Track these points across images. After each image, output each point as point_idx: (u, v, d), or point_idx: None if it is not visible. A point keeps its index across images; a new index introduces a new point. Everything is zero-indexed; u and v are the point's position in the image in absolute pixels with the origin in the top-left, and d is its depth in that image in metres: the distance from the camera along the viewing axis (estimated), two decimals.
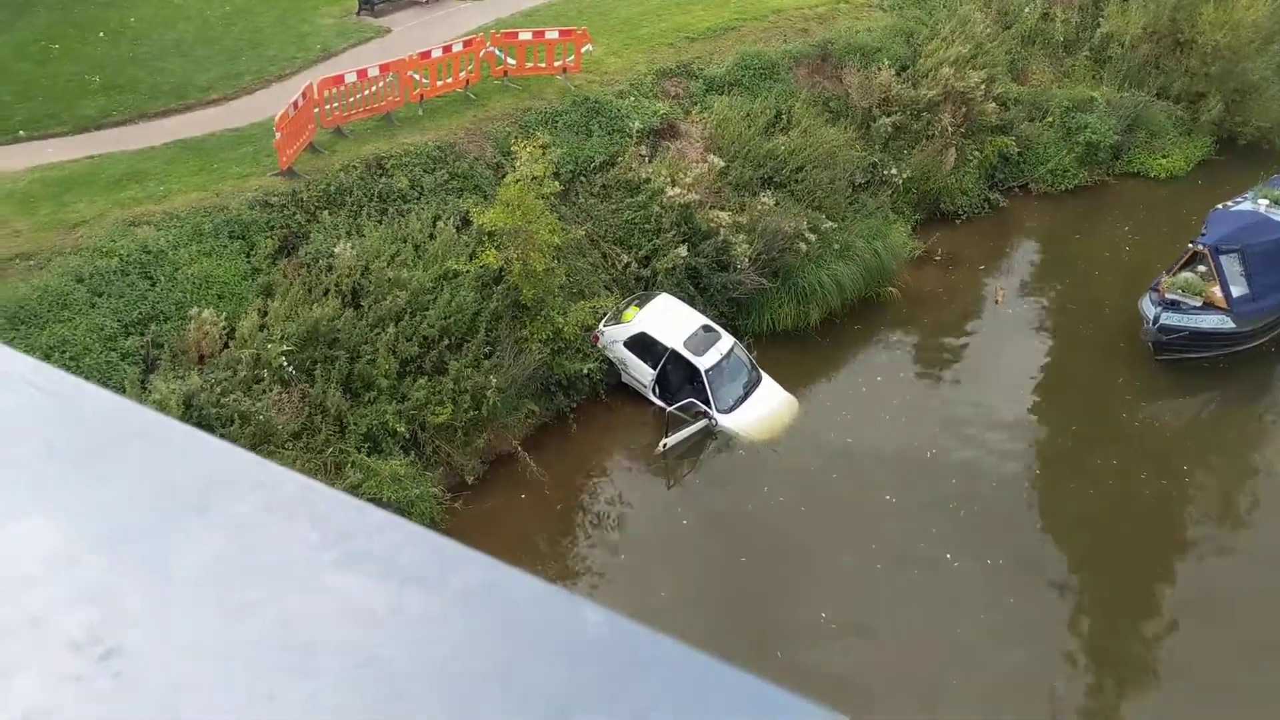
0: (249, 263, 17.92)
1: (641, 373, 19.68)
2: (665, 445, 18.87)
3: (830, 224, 21.98)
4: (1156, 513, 18.23)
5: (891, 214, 23.60)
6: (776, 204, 21.64)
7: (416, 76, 21.05)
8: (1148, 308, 21.07)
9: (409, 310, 17.82)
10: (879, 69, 24.59)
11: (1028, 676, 15.46)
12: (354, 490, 16.07)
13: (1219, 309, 20.83)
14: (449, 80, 21.54)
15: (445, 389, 17.57)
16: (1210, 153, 27.59)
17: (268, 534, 0.92)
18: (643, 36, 24.86)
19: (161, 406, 14.88)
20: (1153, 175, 26.90)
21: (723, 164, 21.83)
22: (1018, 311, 22.89)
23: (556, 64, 22.44)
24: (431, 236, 18.86)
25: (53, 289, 16.42)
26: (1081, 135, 26.35)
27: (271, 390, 16.38)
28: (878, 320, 22.19)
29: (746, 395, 19.73)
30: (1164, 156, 27.10)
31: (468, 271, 18.51)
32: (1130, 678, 15.74)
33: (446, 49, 21.64)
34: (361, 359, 17.30)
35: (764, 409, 19.62)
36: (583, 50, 22.46)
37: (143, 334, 16.46)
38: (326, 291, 17.70)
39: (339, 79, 20.20)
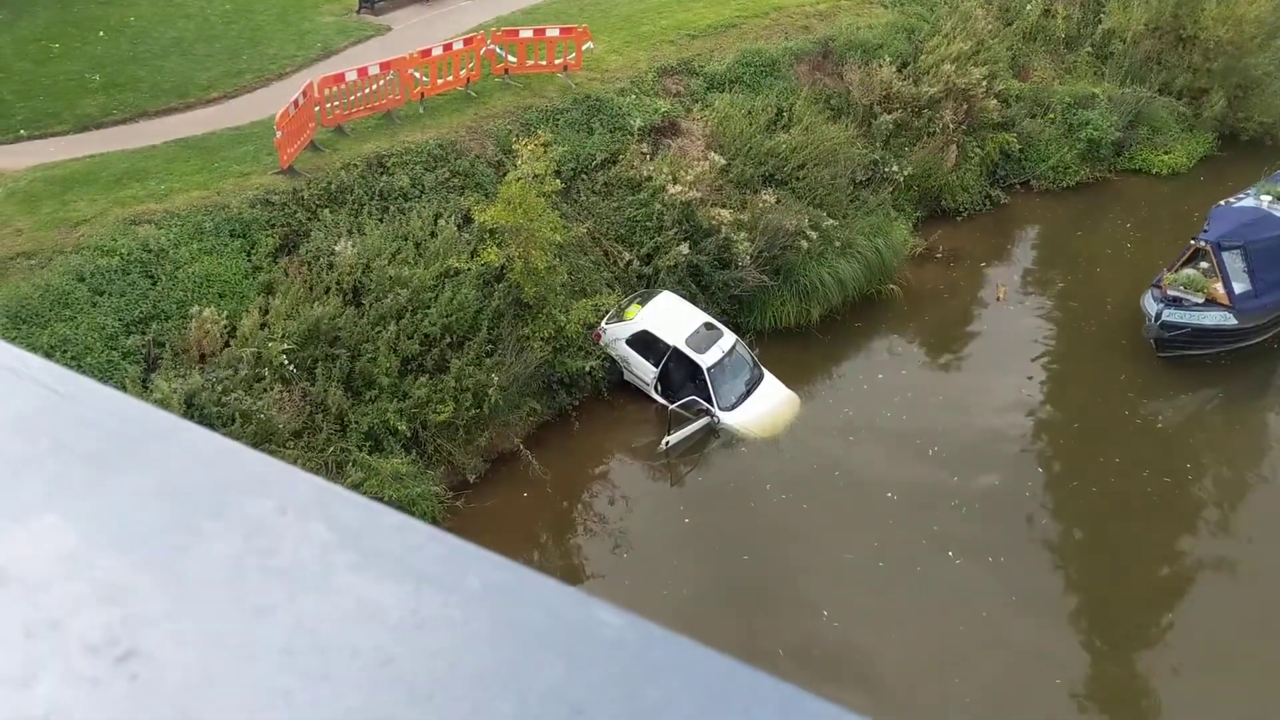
0: (250, 261, 17.91)
1: (644, 370, 19.68)
2: (667, 443, 18.88)
3: (831, 221, 21.98)
4: (1159, 510, 18.23)
5: (893, 211, 23.60)
6: (778, 201, 21.64)
7: (417, 74, 21.05)
8: (1150, 305, 21.06)
9: (410, 308, 17.82)
10: (880, 66, 24.59)
11: (1030, 673, 15.46)
12: (355, 489, 16.04)
13: (1221, 306, 20.82)
14: (450, 78, 21.54)
15: (447, 387, 17.56)
16: (1213, 149, 27.59)
17: (283, 536, 0.92)
18: (644, 34, 24.86)
19: (163, 405, 14.84)
20: (1155, 171, 26.89)
21: (724, 161, 21.83)
22: (1019, 309, 22.88)
23: (557, 62, 22.44)
24: (433, 234, 18.86)
25: (54, 288, 16.43)
26: (1083, 132, 26.34)
27: (273, 389, 16.38)
28: (879, 318, 22.20)
29: (748, 393, 19.73)
30: (1166, 153, 27.09)
31: (469, 269, 18.50)
32: (1133, 674, 15.74)
33: (447, 47, 21.64)
34: (363, 357, 17.30)
35: (766, 406, 19.62)
36: (584, 48, 22.46)
37: (144, 333, 16.47)
38: (328, 290, 17.70)
39: (340, 77, 20.19)
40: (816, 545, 17.32)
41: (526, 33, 22.40)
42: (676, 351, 19.33)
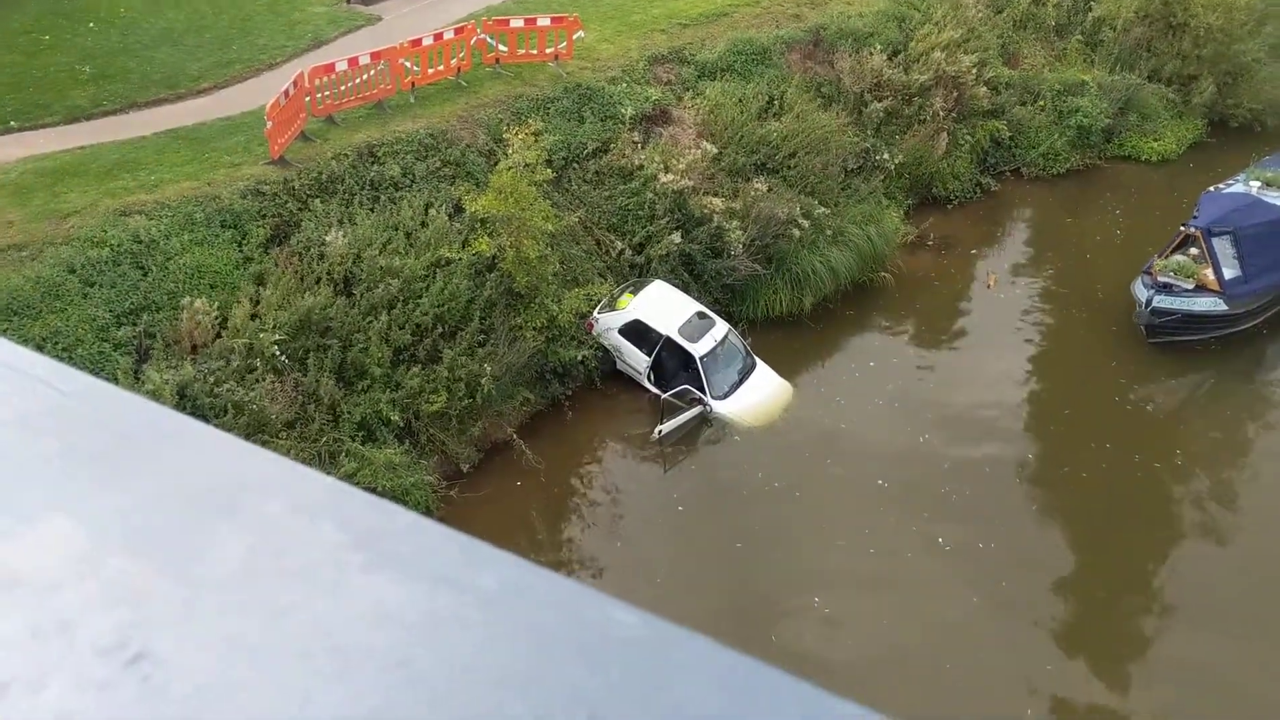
0: (241, 252, 17.86)
1: (636, 360, 19.67)
2: (660, 432, 18.89)
3: (823, 210, 21.99)
4: (1149, 495, 18.30)
5: (884, 199, 23.61)
6: (769, 190, 21.62)
7: (408, 64, 20.98)
8: (1140, 291, 21.10)
9: (402, 298, 17.78)
10: (871, 54, 24.57)
11: (1020, 659, 15.53)
12: (349, 479, 16.07)
13: (1211, 291, 20.87)
14: (440, 68, 21.48)
15: (439, 377, 17.54)
16: (1202, 135, 27.63)
17: (296, 536, 0.91)
18: (635, 23, 24.81)
19: (155, 397, 14.85)
20: (1145, 158, 26.93)
21: (715, 150, 21.80)
22: (1010, 295, 22.91)
23: (548, 51, 22.39)
24: (424, 224, 18.81)
25: (45, 279, 16.37)
26: (1073, 119, 26.36)
27: (265, 379, 16.35)
28: (871, 305, 22.22)
29: (741, 381, 19.74)
30: (1156, 139, 27.13)
31: (460, 259, 18.46)
32: (1122, 658, 15.81)
33: (438, 36, 21.57)
34: (354, 347, 17.27)
35: (758, 395, 19.64)
36: (575, 37, 22.40)
37: (135, 324, 16.41)
38: (319, 280, 17.66)
39: (330, 67, 20.12)
40: (808, 533, 17.36)
41: (517, 22, 22.33)
42: (669, 340, 19.33)
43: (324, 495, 0.96)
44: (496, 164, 19.42)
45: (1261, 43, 27.94)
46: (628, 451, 19.09)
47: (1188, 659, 15.50)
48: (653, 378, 19.63)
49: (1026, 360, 21.15)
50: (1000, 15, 27.84)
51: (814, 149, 22.69)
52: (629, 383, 19.89)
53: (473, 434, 18.11)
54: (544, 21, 22.36)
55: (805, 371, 20.77)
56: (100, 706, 0.80)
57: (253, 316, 16.95)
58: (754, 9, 25.84)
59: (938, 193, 25.04)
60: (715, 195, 21.26)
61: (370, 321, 17.42)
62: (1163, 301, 20.73)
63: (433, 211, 18.98)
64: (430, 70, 21.33)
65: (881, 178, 23.83)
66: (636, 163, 21.22)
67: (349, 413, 16.96)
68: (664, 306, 19.71)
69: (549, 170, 19.11)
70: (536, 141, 19.00)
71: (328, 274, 17.71)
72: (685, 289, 20.49)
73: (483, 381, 17.64)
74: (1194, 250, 21.43)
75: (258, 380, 16.28)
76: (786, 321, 21.42)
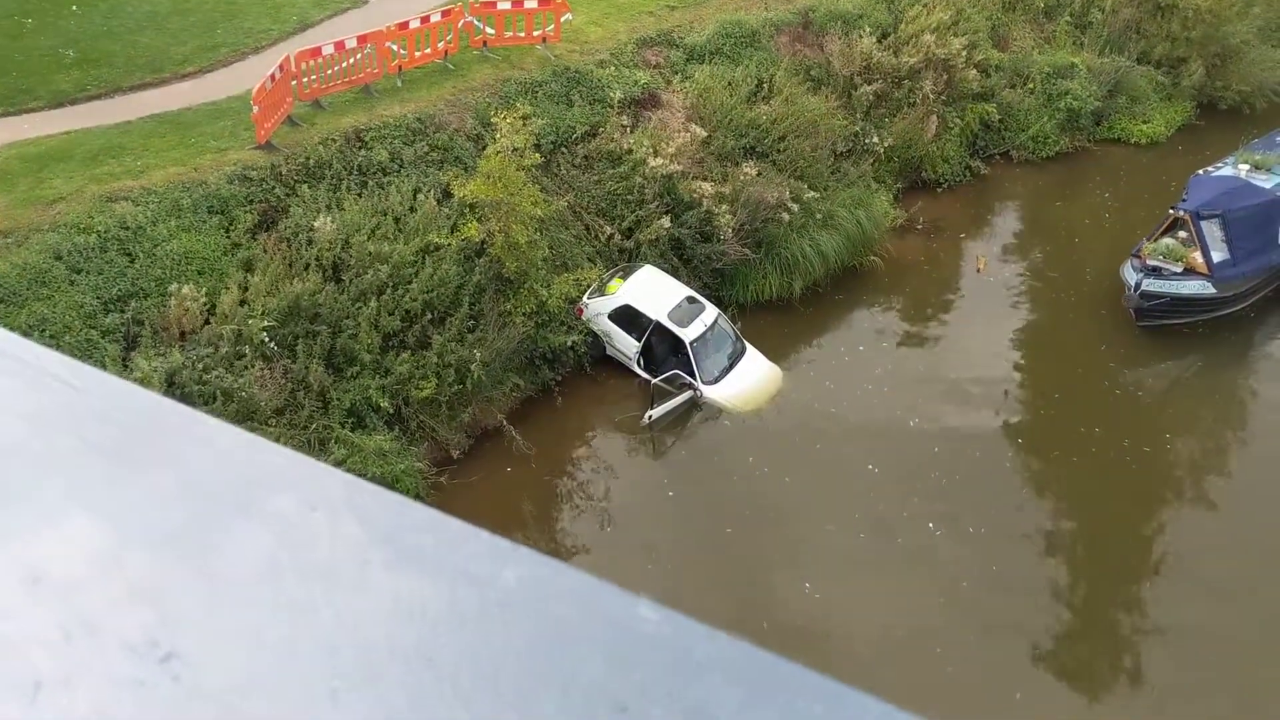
0: (229, 238, 17.79)
1: (626, 345, 19.67)
2: (650, 417, 18.90)
3: (812, 193, 21.96)
4: (1139, 479, 18.39)
5: (873, 183, 23.59)
6: (759, 174, 21.59)
7: (394, 48, 20.88)
8: (1129, 274, 21.15)
9: (391, 284, 17.73)
10: (860, 36, 24.52)
11: (1010, 643, 15.61)
12: (339, 465, 16.03)
13: (1200, 275, 20.93)
14: (427, 51, 21.38)
15: (429, 363, 17.52)
16: (1191, 118, 27.67)
17: (316, 533, 0.91)
18: (623, 5, 24.71)
19: (143, 384, 14.76)
20: (1134, 141, 26.96)
21: (705, 134, 21.76)
22: (999, 279, 22.96)
23: (536, 34, 22.29)
24: (412, 209, 18.75)
25: (31, 266, 16.28)
26: (1063, 101, 26.36)
27: (254, 366, 16.31)
28: (860, 289, 22.24)
29: (731, 366, 19.76)
30: (1145, 122, 27.15)
31: (449, 244, 18.41)
32: (1113, 641, 15.92)
33: (424, 19, 21.45)
34: (344, 333, 17.23)
35: (748, 380, 19.66)
36: (562, 19, 22.30)
37: (123, 311, 16.34)
38: (307, 266, 17.59)
39: (316, 51, 20.00)
40: (798, 518, 17.41)
41: (505, 4, 22.21)
42: (659, 325, 19.33)
43: (341, 491, 0.95)
44: (485, 149, 19.35)
45: (1250, 25, 27.96)
46: (618, 437, 19.11)
47: (1180, 639, 15.61)
48: (643, 363, 19.64)
49: (1016, 344, 21.21)
50: None
51: (803, 133, 22.66)
52: (619, 368, 19.89)
53: (463, 420, 18.09)
54: (531, 4, 22.25)
55: (795, 356, 20.80)
56: (135, 705, 0.80)
57: (241, 303, 16.89)
58: None
59: (927, 176, 25.05)
60: (704, 179, 21.23)
61: (359, 307, 17.38)
62: (1151, 285, 20.78)
63: (421, 197, 18.92)
64: (417, 54, 21.23)
65: (871, 161, 23.81)
66: (625, 147, 21.17)
67: (338, 399, 16.93)
68: (654, 291, 19.70)
69: (537, 155, 19.05)
70: (525, 126, 18.93)
71: (316, 260, 17.65)
72: (675, 274, 20.47)
73: (472, 367, 17.61)
74: (1183, 233, 21.48)
75: (247, 367, 16.24)
76: (776, 306, 21.43)
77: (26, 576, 0.87)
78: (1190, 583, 16.45)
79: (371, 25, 21.48)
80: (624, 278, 19.92)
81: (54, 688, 0.79)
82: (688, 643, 0.82)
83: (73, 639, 0.83)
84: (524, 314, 18.83)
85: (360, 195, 18.72)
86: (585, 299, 19.75)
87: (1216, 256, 20.97)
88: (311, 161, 18.94)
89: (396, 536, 0.91)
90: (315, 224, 17.83)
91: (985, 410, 19.50)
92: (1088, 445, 18.76)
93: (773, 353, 20.27)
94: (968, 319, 21.83)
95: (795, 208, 21.44)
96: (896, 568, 16.59)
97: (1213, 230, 21.15)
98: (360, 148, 19.49)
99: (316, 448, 16.36)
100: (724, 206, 20.88)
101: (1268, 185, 22.10)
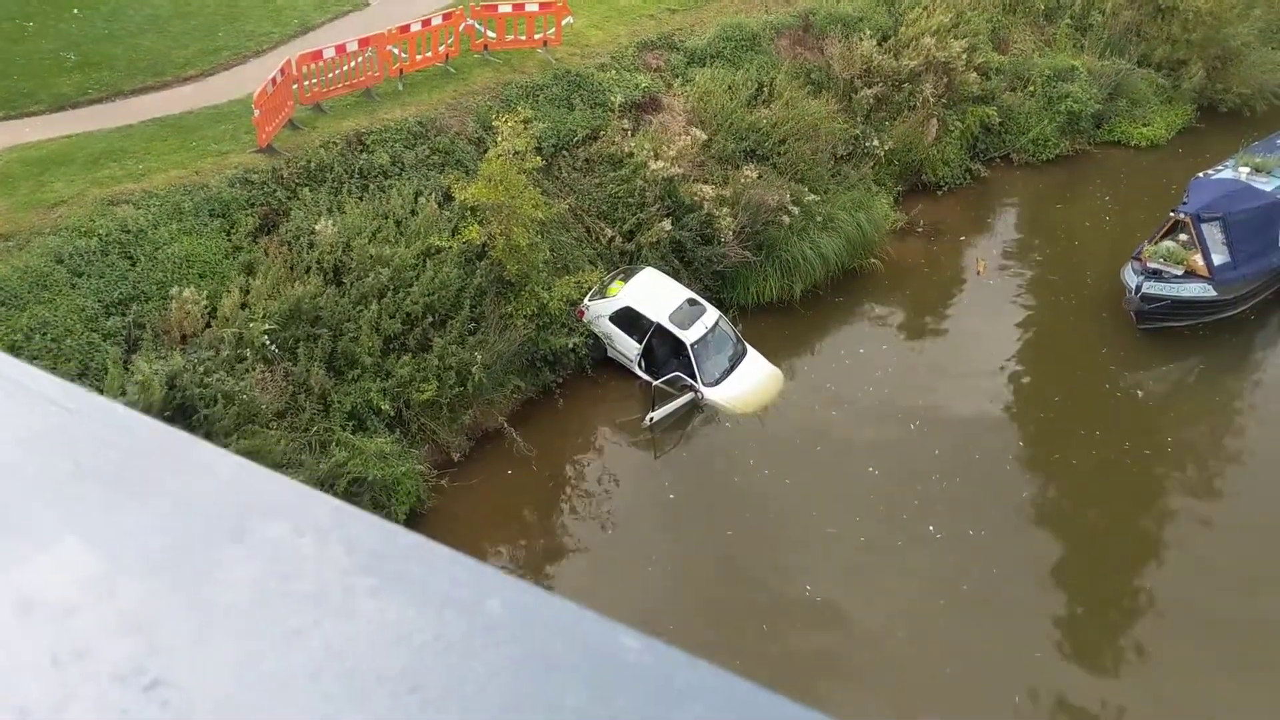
0: (230, 241, 17.81)
1: (627, 347, 19.69)
2: (651, 419, 18.92)
3: (813, 196, 21.99)
4: (1139, 482, 18.39)
5: (874, 185, 23.61)
6: (759, 177, 21.61)
7: (396, 51, 20.91)
8: (1130, 277, 21.15)
9: (392, 287, 17.75)
10: (861, 39, 24.54)
11: (1011, 647, 15.61)
12: (339, 468, 16.07)
13: (1201, 277, 20.93)
14: (428, 54, 21.41)
15: (430, 366, 17.53)
16: (1191, 120, 27.68)
17: (303, 559, 0.93)
18: (623, 9, 24.74)
19: (144, 387, 14.82)
20: (1134, 144, 26.97)
21: (705, 137, 21.78)
22: (1000, 282, 22.96)
23: (537, 37, 22.32)
24: (413, 212, 18.77)
25: (33, 269, 16.29)
26: (1063, 104, 26.38)
27: (255, 369, 16.32)
28: (861, 292, 22.25)
29: (732, 368, 19.78)
30: (1145, 125, 27.17)
31: (450, 247, 18.43)
32: (1114, 644, 15.91)
33: (426, 23, 21.48)
34: (345, 336, 17.24)
35: (749, 382, 19.68)
36: (563, 23, 22.34)
37: (124, 314, 16.35)
38: (308, 269, 17.61)
39: (317, 54, 20.03)
40: (799, 519, 17.42)
41: (506, 8, 22.25)
42: (660, 328, 19.35)
43: (330, 517, 0.97)
44: (486, 152, 19.37)
45: (1251, 27, 27.97)
46: (619, 439, 19.12)
47: (1180, 644, 15.61)
48: (644, 365, 19.66)
49: (1016, 347, 21.21)
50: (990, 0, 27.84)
51: (804, 136, 22.68)
52: (620, 370, 19.91)
53: (464, 422, 18.11)
54: (532, 7, 22.29)
55: (795, 358, 20.81)
56: None
57: (242, 306, 16.90)
58: None
59: (927, 179, 25.06)
60: (705, 182, 21.25)
61: (360, 310, 17.39)
62: (1152, 287, 20.78)
63: (422, 200, 18.94)
64: (419, 57, 21.25)
65: (871, 164, 23.84)
66: (626, 150, 21.20)
67: (339, 402, 16.95)
68: (655, 293, 19.72)
69: (538, 158, 19.08)
70: (526, 129, 18.96)
71: (317, 263, 17.67)
72: (676, 276, 20.49)
73: (473, 370, 17.63)
74: (1183, 236, 21.48)
75: (248, 370, 16.25)
76: (777, 308, 21.45)
77: (18, 603, 0.89)
78: (1192, 586, 16.44)
79: (373, 28, 21.50)
80: (625, 280, 19.94)
81: (42, 716, 0.81)
82: (669, 671, 0.83)
83: (62, 666, 0.84)
84: (525, 316, 18.85)
85: (361, 198, 18.74)
86: (586, 301, 19.77)
87: (1217, 259, 20.97)
88: (313, 165, 18.97)
89: (383, 563, 0.93)
90: (316, 227, 17.85)
91: (985, 414, 19.50)
92: (1088, 448, 18.76)
93: (773, 355, 20.29)
94: (968, 321, 21.83)
95: (796, 210, 21.46)
96: (897, 570, 16.59)
97: (1213, 233, 21.15)
98: (361, 151, 19.51)
99: (318, 450, 16.37)
100: (725, 209, 20.90)
101: (1268, 188, 22.10)
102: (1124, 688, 15.28)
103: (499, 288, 18.93)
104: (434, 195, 19.12)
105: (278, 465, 15.41)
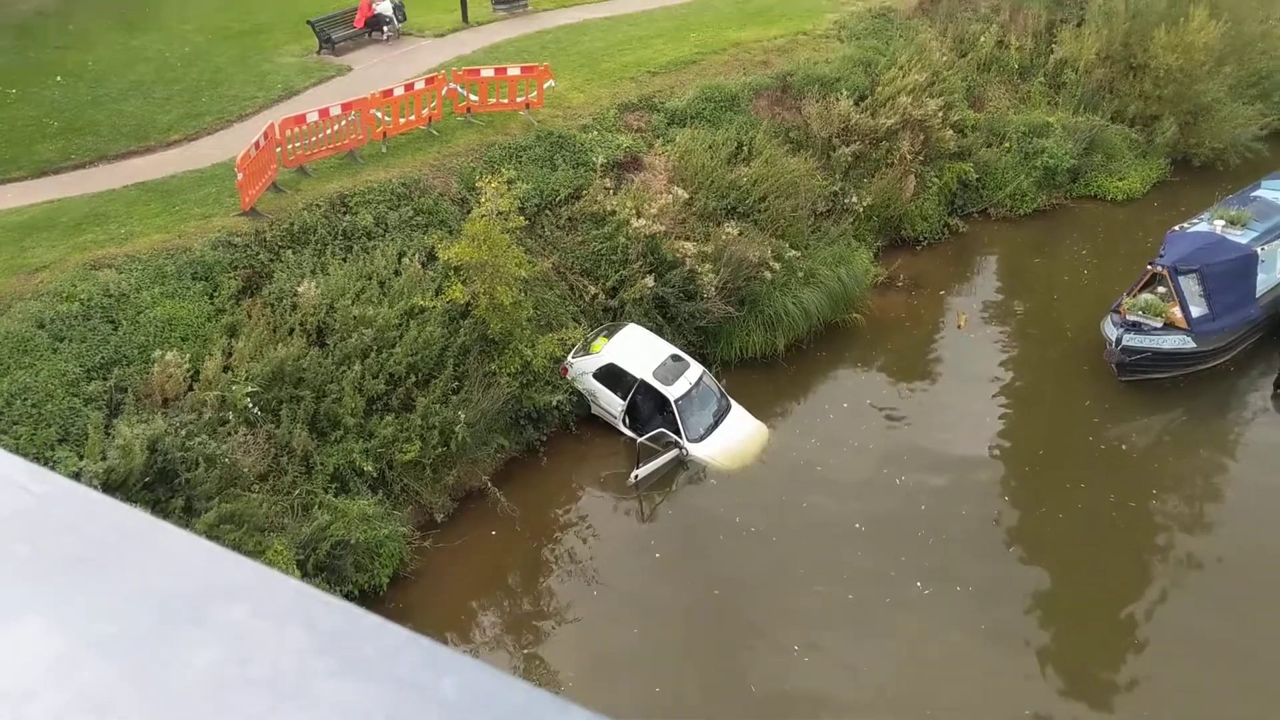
0: (212, 303, 17.82)
1: (611, 404, 19.70)
2: (636, 476, 18.87)
3: (794, 252, 22.18)
4: (1124, 534, 18.38)
5: (854, 241, 23.84)
6: (741, 233, 21.80)
7: (379, 114, 21.10)
8: (1110, 329, 21.31)
9: (375, 347, 17.76)
10: (838, 99, 24.89)
11: (999, 701, 15.50)
12: (321, 532, 15.95)
13: (1179, 329, 21.11)
14: (412, 117, 21.61)
15: (413, 426, 17.50)
16: (1166, 174, 28.09)
17: (262, 642, 0.94)
18: (604, 71, 25.06)
19: (125, 451, 14.73)
20: (1110, 197, 27.33)
21: (687, 195, 21.99)
22: (981, 335, 23.10)
23: (519, 100, 22.57)
24: (397, 273, 18.84)
25: (14, 334, 16.26)
26: (1039, 160, 26.75)
27: (237, 432, 16.26)
28: (843, 346, 22.35)
29: (716, 424, 19.78)
30: (1120, 179, 27.55)
31: (434, 307, 18.49)
32: (1101, 699, 15.81)
33: (409, 87, 21.71)
34: (328, 398, 17.21)
35: (734, 437, 19.68)
36: (545, 86, 22.60)
37: (106, 378, 16.31)
38: (291, 330, 17.62)
39: (301, 118, 20.20)
40: (786, 577, 17.33)
41: (488, 72, 22.52)
42: (644, 384, 19.37)
43: (290, 599, 0.98)
44: (469, 211, 19.50)
45: (1221, 82, 28.46)
46: (604, 496, 19.05)
47: (1165, 694, 15.52)
48: (628, 421, 19.65)
49: (1000, 400, 21.29)
50: (965, 59, 28.30)
51: (784, 193, 22.93)
52: (604, 427, 19.90)
53: (447, 482, 18.04)
54: (514, 71, 22.56)
55: (780, 413, 20.84)
56: None
57: (225, 368, 16.88)
58: (721, 56, 26.17)
59: (907, 234, 25.31)
60: (687, 239, 21.42)
61: (343, 371, 17.38)
62: (1132, 340, 20.95)
63: (406, 260, 19.02)
64: (402, 120, 21.45)
65: (851, 220, 24.08)
66: (609, 208, 21.37)
67: (322, 463, 16.88)
68: (638, 350, 19.77)
69: (521, 218, 19.21)
70: (509, 189, 19.11)
71: (300, 324, 17.69)
72: (659, 332, 20.57)
73: (457, 429, 17.60)
74: (1161, 289, 21.68)
75: (230, 433, 16.19)
76: (760, 363, 21.52)
77: None
78: (1178, 637, 16.39)
79: (355, 92, 21.73)
80: (608, 336, 20.00)
81: None
82: None
83: None
84: (509, 374, 18.86)
85: (345, 259, 18.81)
86: (570, 358, 19.81)
87: (1195, 311, 21.16)
88: (296, 227, 19.04)
89: (340, 644, 0.94)
90: (299, 289, 17.88)
91: (971, 468, 19.51)
92: (1074, 500, 18.77)
93: (758, 410, 20.31)
94: (951, 376, 21.93)
95: (777, 266, 21.63)
96: (886, 626, 16.50)
97: (1190, 285, 21.36)
98: (345, 212, 19.62)
99: (300, 513, 16.27)
100: (707, 265, 21.05)
101: (1243, 240, 22.37)
102: None
103: (483, 346, 18.96)
104: (418, 255, 19.20)
105: (260, 529, 15.31)
